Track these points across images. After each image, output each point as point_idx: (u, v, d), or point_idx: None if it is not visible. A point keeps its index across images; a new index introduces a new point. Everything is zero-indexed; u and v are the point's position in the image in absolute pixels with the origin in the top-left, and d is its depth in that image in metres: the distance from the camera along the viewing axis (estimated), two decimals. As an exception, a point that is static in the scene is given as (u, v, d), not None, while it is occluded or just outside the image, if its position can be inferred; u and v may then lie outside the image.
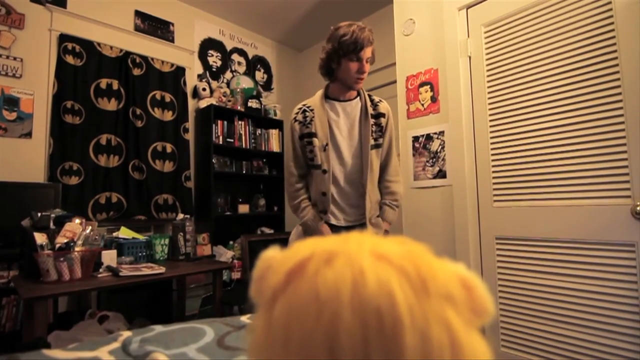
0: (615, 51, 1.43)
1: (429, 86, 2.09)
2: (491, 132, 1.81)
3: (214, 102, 3.15)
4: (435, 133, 2.04)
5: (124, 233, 2.19)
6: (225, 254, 2.93)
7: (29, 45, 2.43)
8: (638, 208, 1.34)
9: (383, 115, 1.47)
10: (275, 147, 3.56)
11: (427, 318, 0.24)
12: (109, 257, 1.87)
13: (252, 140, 3.39)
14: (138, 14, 2.97)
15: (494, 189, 1.79)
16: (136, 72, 2.87)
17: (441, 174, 1.99)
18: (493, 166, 1.79)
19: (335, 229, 1.43)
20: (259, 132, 3.47)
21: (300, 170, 1.47)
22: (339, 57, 1.35)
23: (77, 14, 2.63)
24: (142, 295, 2.49)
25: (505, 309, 1.72)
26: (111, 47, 2.76)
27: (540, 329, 1.60)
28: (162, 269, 1.81)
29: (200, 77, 3.32)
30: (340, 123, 1.44)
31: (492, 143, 1.81)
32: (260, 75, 3.86)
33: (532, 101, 1.67)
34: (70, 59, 2.55)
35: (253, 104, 3.45)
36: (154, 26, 3.05)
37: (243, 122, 3.33)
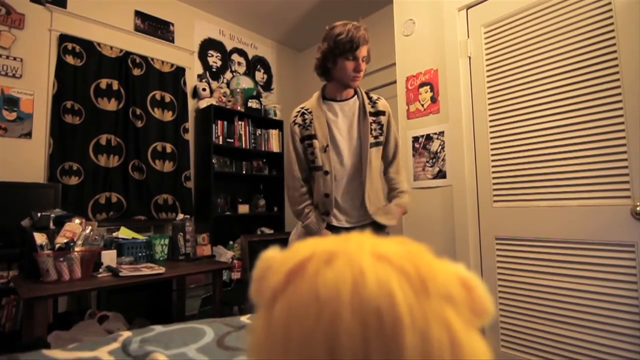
0: (615, 51, 1.43)
1: (428, 86, 2.09)
2: (491, 132, 1.81)
3: (214, 102, 3.15)
4: (435, 133, 2.04)
5: (124, 233, 2.18)
6: (225, 254, 2.93)
7: (29, 45, 2.43)
8: (638, 208, 1.34)
9: (383, 113, 1.46)
10: (275, 147, 3.56)
11: (427, 318, 0.24)
12: (109, 257, 1.87)
13: (252, 141, 3.39)
14: (138, 14, 2.97)
15: (494, 189, 1.79)
16: (136, 72, 2.87)
17: (441, 174, 1.99)
18: (493, 166, 1.79)
19: (337, 230, 1.43)
20: (259, 132, 3.47)
21: (303, 174, 1.46)
22: (335, 56, 1.34)
23: (77, 14, 2.63)
24: (142, 295, 2.49)
25: (505, 309, 1.72)
26: (111, 47, 2.76)
27: (540, 329, 1.60)
28: (162, 269, 1.81)
29: (200, 77, 3.32)
30: (339, 123, 1.44)
31: (492, 143, 1.81)
32: (260, 75, 3.86)
33: (532, 101, 1.67)
34: (70, 59, 2.55)
35: (253, 104, 3.45)
36: (154, 26, 3.05)
37: (243, 122, 3.33)
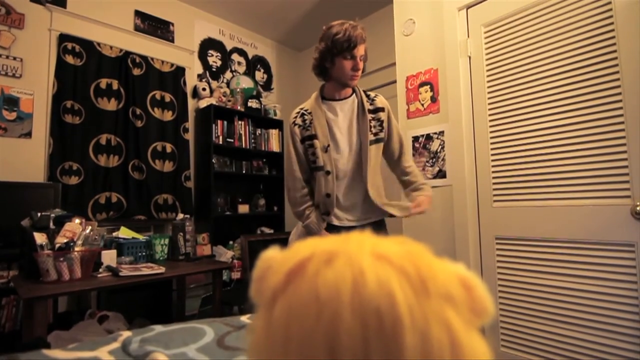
0: (615, 51, 1.44)
1: (428, 86, 2.09)
2: (491, 132, 1.81)
3: (214, 102, 3.15)
4: (435, 133, 2.04)
5: (124, 233, 2.18)
6: (225, 254, 2.93)
7: (29, 45, 2.43)
8: (638, 208, 1.34)
9: (382, 109, 1.46)
10: (275, 147, 3.56)
11: (427, 318, 0.24)
12: (109, 257, 1.87)
13: (252, 140, 3.39)
14: (138, 13, 2.97)
15: (494, 189, 1.79)
16: (136, 72, 2.87)
17: (441, 174, 1.99)
18: (493, 166, 1.79)
19: (337, 230, 1.43)
20: (259, 132, 3.47)
21: (304, 175, 1.46)
22: (333, 55, 1.34)
23: (77, 13, 2.63)
24: (142, 295, 2.49)
25: (505, 308, 1.72)
26: (111, 47, 2.76)
27: (540, 329, 1.60)
28: (161, 269, 1.81)
29: (200, 77, 3.32)
30: (339, 122, 1.44)
31: (492, 143, 1.81)
32: (260, 75, 3.86)
33: (532, 101, 1.67)
34: (70, 59, 2.55)
35: (253, 104, 3.45)
36: (154, 26, 3.05)
37: (243, 122, 3.33)
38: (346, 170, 1.43)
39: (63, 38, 2.54)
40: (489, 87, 1.82)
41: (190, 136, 3.16)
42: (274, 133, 3.58)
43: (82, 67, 2.60)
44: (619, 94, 1.42)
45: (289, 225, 3.52)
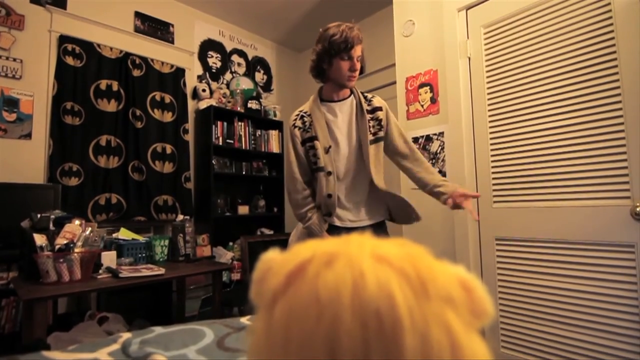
0: (614, 52, 1.44)
1: (428, 87, 2.09)
2: (491, 133, 1.81)
3: (214, 103, 3.16)
4: (434, 134, 2.04)
5: (124, 234, 2.18)
6: (225, 255, 2.93)
7: (29, 47, 2.43)
8: (637, 209, 1.34)
9: (380, 109, 1.47)
10: (275, 148, 3.56)
11: (427, 320, 0.24)
12: (109, 258, 1.87)
13: (252, 141, 3.39)
14: (138, 15, 2.97)
15: (494, 190, 1.79)
16: (136, 73, 2.87)
17: (441, 175, 1.99)
18: (493, 167, 1.80)
19: (339, 231, 1.43)
20: (259, 133, 3.48)
21: (305, 177, 1.46)
22: (330, 57, 1.36)
23: (77, 15, 2.63)
24: (142, 296, 2.49)
25: (505, 309, 1.72)
26: (111, 48, 2.76)
27: (540, 329, 1.60)
28: (161, 270, 1.81)
29: (200, 78, 3.32)
30: (338, 123, 1.45)
31: (491, 144, 1.81)
32: (260, 76, 3.86)
33: (532, 102, 1.67)
34: (70, 60, 2.56)
35: (253, 105, 3.45)
36: (154, 27, 3.05)
37: (243, 123, 3.33)
38: (347, 171, 1.44)
39: (63, 39, 2.54)
40: (488, 88, 1.83)
41: (190, 137, 3.16)
42: (273, 134, 3.58)
43: (82, 69, 2.60)
44: (619, 94, 1.42)
45: (288, 226, 3.52)
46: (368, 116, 1.44)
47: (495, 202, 1.78)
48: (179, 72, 3.14)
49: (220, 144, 3.13)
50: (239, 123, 3.30)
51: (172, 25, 3.17)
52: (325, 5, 3.25)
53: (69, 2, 2.61)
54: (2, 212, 2.05)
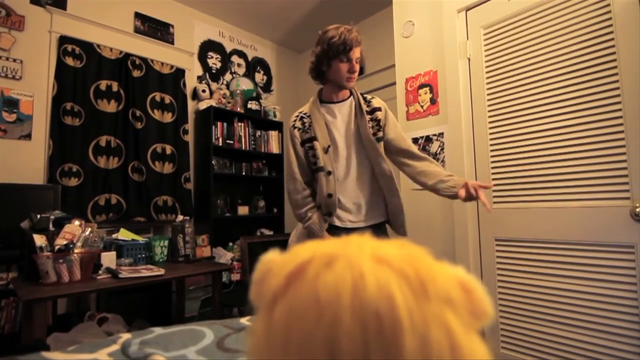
0: (614, 53, 1.44)
1: (428, 88, 2.09)
2: (490, 133, 1.81)
3: (214, 104, 3.16)
4: (434, 135, 2.04)
5: (124, 235, 2.18)
6: (225, 256, 2.93)
7: (29, 47, 2.43)
8: (637, 209, 1.34)
9: (379, 109, 1.47)
10: (274, 148, 3.56)
11: (427, 321, 0.24)
12: (109, 258, 1.87)
13: (252, 142, 3.39)
14: (138, 15, 2.97)
15: (494, 190, 1.79)
16: (136, 73, 2.87)
17: (441, 176, 1.99)
18: (492, 167, 1.80)
19: (339, 231, 1.44)
20: (259, 133, 3.48)
21: (305, 178, 1.46)
22: (329, 59, 1.37)
23: (77, 15, 2.64)
24: (142, 297, 2.49)
25: (504, 310, 1.72)
26: (111, 49, 2.76)
27: (540, 330, 1.60)
28: (161, 271, 1.81)
29: (200, 78, 3.33)
30: (337, 123, 1.46)
31: (491, 144, 1.81)
32: (259, 76, 3.86)
33: (531, 103, 1.67)
34: (70, 61, 2.56)
35: (253, 105, 3.45)
36: (154, 28, 3.06)
37: (243, 124, 3.33)
38: (347, 171, 1.44)
39: (63, 40, 2.55)
40: (488, 88, 1.83)
41: (190, 138, 3.16)
42: (273, 134, 3.58)
43: (82, 69, 2.60)
44: (618, 95, 1.42)
45: (288, 227, 3.52)
46: (367, 116, 1.45)
47: (494, 202, 1.78)
48: (179, 73, 3.14)
49: (220, 144, 3.13)
50: (239, 124, 3.30)
51: (172, 26, 3.18)
52: (325, 6, 3.25)
53: (69, 2, 2.61)
54: (2, 213, 2.05)
